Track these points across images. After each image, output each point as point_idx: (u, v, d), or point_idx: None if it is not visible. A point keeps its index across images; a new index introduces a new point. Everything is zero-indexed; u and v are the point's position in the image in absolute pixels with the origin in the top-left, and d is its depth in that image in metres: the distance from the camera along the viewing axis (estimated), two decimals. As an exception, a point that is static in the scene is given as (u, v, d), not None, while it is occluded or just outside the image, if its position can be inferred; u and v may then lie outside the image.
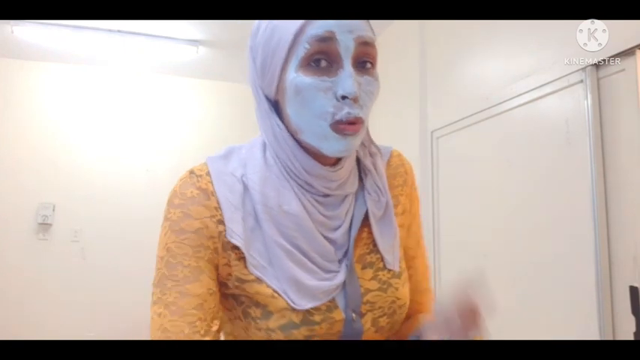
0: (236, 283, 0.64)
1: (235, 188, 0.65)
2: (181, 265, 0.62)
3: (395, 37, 3.04)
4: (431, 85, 2.62)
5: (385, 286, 0.65)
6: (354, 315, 0.63)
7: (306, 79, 0.59)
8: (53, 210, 3.54)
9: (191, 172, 0.66)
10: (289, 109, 0.62)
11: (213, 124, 3.98)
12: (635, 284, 1.42)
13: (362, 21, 0.61)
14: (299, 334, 0.60)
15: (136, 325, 3.36)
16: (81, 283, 3.50)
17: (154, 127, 3.86)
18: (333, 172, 0.65)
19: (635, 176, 1.46)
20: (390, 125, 2.87)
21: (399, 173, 0.75)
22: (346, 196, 0.67)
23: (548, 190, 1.77)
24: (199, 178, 0.65)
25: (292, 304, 0.60)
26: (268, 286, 0.62)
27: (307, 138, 0.62)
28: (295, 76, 0.59)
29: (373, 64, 0.63)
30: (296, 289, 0.61)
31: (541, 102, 1.83)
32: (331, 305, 0.63)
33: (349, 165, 0.68)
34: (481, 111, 2.16)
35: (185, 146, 3.77)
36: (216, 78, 3.98)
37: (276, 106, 0.65)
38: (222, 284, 0.65)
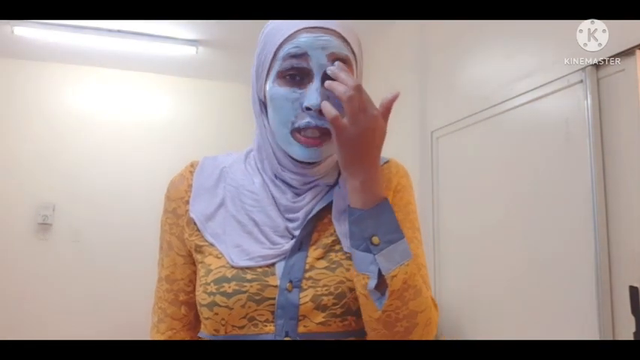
0: (195, 252, 0.73)
1: (213, 175, 0.76)
2: (163, 239, 0.77)
3: (395, 38, 3.04)
4: (431, 85, 2.62)
5: (335, 266, 0.67)
6: (289, 285, 0.66)
7: (279, 89, 0.67)
8: (53, 210, 3.54)
9: (188, 164, 0.79)
10: (269, 113, 0.71)
11: (213, 124, 3.98)
12: (635, 284, 1.42)
13: (338, 39, 0.67)
14: (229, 288, 0.66)
15: (136, 325, 3.37)
16: (81, 283, 3.49)
17: (154, 127, 3.86)
18: (309, 170, 0.71)
19: (635, 176, 1.46)
20: (389, 125, 2.86)
21: (384, 174, 0.77)
22: (316, 186, 0.72)
23: (548, 190, 1.76)
24: (186, 168, 0.78)
25: (230, 262, 0.68)
26: (217, 249, 0.70)
27: (278, 140, 0.70)
28: (272, 87, 0.68)
29: None
30: (238, 251, 0.68)
31: (541, 102, 1.82)
32: (268, 271, 0.67)
33: (331, 161, 0.73)
34: (481, 111, 2.16)
35: (185, 146, 3.77)
36: (215, 78, 3.98)
37: (265, 109, 0.73)
38: (192, 255, 0.74)
